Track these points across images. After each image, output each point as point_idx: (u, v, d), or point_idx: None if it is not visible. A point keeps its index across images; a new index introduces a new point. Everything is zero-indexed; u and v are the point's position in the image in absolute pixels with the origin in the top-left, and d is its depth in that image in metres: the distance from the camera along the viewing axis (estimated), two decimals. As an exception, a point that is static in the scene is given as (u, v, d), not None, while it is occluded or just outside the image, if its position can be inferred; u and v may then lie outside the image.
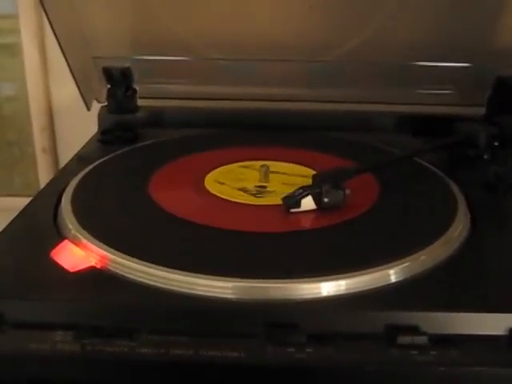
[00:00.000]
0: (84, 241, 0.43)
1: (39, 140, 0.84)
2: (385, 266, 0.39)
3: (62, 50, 0.66)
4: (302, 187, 0.49)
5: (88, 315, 0.36)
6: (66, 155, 0.81)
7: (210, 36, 0.71)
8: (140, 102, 0.75)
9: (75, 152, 0.65)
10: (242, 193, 0.52)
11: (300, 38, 0.71)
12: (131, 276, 0.39)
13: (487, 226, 0.48)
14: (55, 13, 0.63)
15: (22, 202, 0.51)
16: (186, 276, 0.38)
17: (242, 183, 0.55)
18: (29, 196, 0.53)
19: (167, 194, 0.52)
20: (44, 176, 0.86)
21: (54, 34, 0.64)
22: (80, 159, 0.62)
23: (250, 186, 0.54)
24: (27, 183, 0.88)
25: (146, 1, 0.69)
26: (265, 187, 0.54)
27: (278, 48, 0.70)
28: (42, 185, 0.82)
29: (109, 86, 0.73)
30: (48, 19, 0.63)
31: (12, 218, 0.47)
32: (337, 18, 0.71)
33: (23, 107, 0.84)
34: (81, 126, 0.75)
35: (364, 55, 0.71)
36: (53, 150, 0.85)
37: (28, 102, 0.83)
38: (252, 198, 0.52)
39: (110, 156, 0.62)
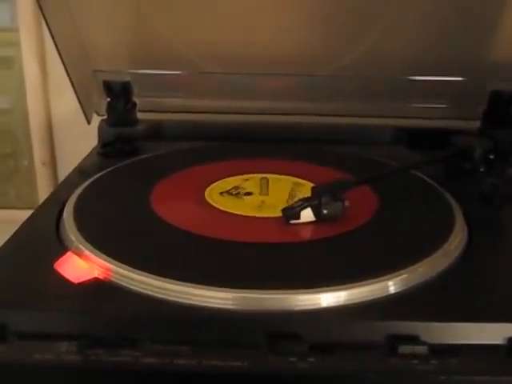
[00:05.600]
0: (87, 252, 0.43)
1: (39, 153, 0.85)
2: (385, 277, 0.40)
3: (63, 63, 0.66)
4: (301, 199, 0.50)
5: (92, 326, 0.37)
6: (65, 168, 0.81)
7: (209, 50, 0.72)
8: (139, 116, 0.76)
9: (75, 165, 0.65)
10: (242, 205, 0.53)
11: (297, 53, 0.71)
12: (135, 287, 0.39)
13: (484, 237, 0.48)
14: (57, 26, 0.64)
15: (17, 214, 0.51)
16: (189, 287, 0.38)
17: (242, 196, 0.55)
18: (23, 208, 0.53)
19: (168, 206, 0.53)
20: (43, 189, 0.86)
21: (56, 46, 0.64)
22: (81, 172, 0.63)
23: (250, 198, 0.55)
24: (22, 196, 0.89)
25: (146, 16, 0.70)
26: (265, 199, 0.55)
27: (276, 62, 0.71)
28: (41, 198, 0.82)
29: (109, 100, 0.73)
30: (50, 32, 0.63)
31: (6, 230, 0.48)
32: (333, 34, 0.71)
33: (19, 120, 0.85)
34: (80, 139, 0.76)
35: (360, 70, 0.72)
36: (52, 163, 0.86)
37: (25, 115, 0.84)
38: (252, 210, 0.52)
39: (111, 168, 0.62)
